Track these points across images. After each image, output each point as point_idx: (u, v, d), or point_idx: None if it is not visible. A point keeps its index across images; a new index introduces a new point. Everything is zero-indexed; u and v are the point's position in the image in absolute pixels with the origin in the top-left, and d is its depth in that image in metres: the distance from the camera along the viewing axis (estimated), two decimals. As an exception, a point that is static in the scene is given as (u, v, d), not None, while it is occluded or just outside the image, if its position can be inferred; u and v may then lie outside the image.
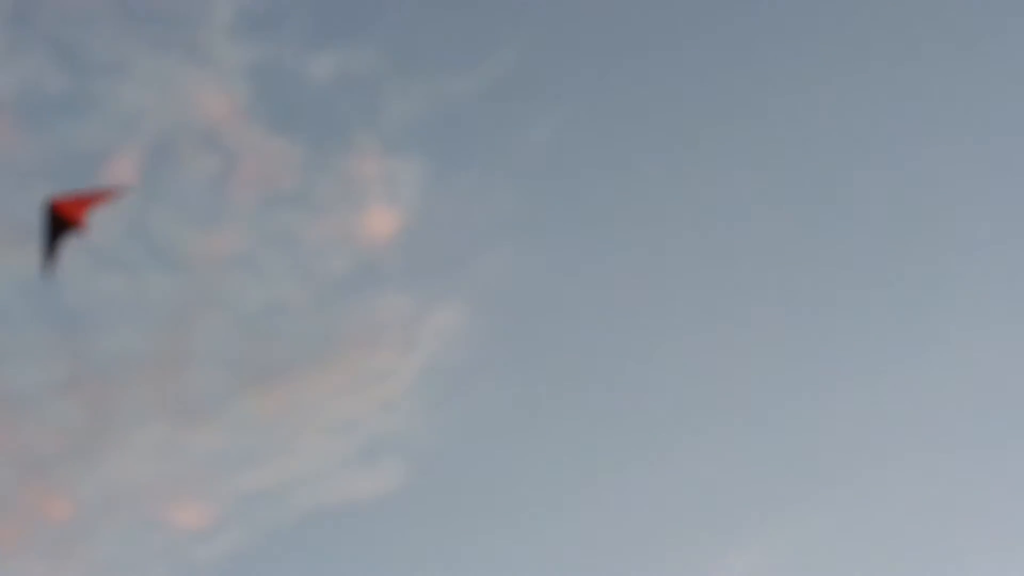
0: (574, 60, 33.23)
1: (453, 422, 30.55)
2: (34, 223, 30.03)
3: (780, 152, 32.49)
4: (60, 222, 22.55)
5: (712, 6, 33.31)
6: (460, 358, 31.00)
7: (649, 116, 32.91)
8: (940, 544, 28.94)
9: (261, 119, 31.78)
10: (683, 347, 31.14)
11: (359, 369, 30.69)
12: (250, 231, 31.20)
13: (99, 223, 30.51)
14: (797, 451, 30.16)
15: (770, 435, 30.27)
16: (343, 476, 29.94)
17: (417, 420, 30.41)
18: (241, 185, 31.33)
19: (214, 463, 29.56)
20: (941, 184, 31.82)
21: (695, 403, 30.68)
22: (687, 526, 29.67)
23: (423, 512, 30.17)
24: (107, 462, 29.09)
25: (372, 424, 30.34)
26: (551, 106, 32.86)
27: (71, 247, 30.27)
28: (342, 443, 30.15)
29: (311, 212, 31.54)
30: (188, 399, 29.85)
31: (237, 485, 29.54)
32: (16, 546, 28.04)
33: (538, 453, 30.60)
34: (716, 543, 29.42)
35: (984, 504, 29.22)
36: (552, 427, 30.76)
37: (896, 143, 32.27)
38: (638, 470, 30.27)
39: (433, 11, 33.10)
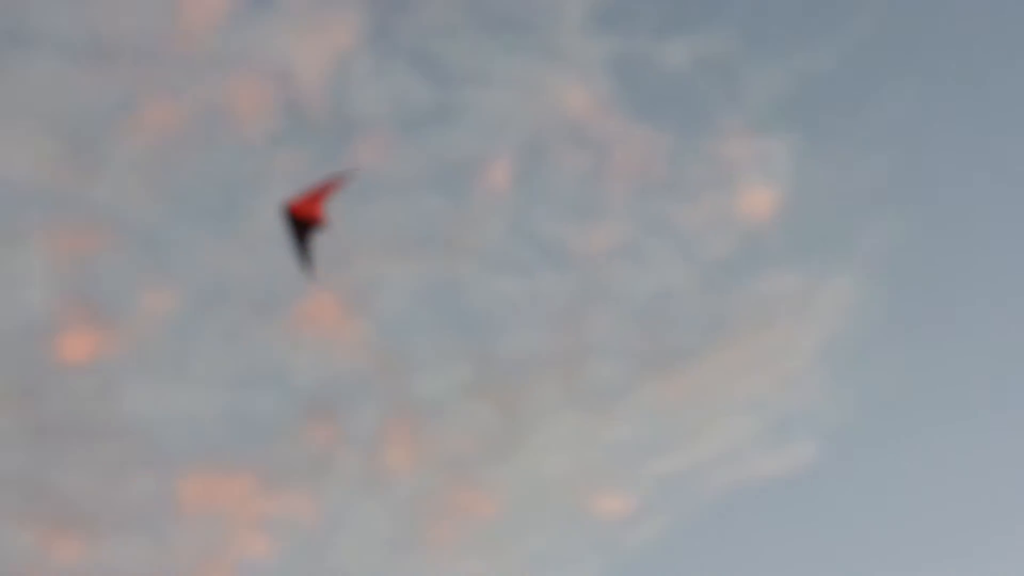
0: (933, 19, 32.89)
1: (859, 395, 30.37)
2: (418, 233, 30.75)
3: None
4: (301, 222, 22.76)
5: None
6: (857, 330, 30.84)
7: (1017, 72, 32.41)
8: None
9: (625, 110, 32.07)
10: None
11: (755, 348, 30.73)
12: (629, 222, 31.50)
13: (485, 226, 31.10)
14: None
15: None
16: (754, 456, 29.99)
17: (822, 395, 30.32)
18: (614, 177, 31.66)
19: (627, 451, 29.87)
20: None
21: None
22: None
23: (836, 487, 30.05)
24: (524, 457, 29.60)
25: (778, 402, 30.34)
26: (915, 69, 32.56)
27: (465, 255, 30.93)
28: (750, 422, 30.21)
29: (686, 197, 31.72)
30: (592, 391, 30.23)
31: (651, 471, 29.80)
32: (450, 545, 28.68)
33: (946, 426, 30.25)
34: None
35: None
36: (958, 399, 30.41)
37: None
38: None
39: (783, -14, 33.08)
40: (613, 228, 31.41)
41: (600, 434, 29.89)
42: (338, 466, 28.79)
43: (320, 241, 22.79)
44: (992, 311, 30.88)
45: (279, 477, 28.39)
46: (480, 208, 31.22)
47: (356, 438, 28.99)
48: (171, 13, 30.41)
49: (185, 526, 27.70)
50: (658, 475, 29.70)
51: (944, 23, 32.78)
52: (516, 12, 32.30)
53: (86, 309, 28.27)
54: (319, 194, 22.48)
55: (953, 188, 31.87)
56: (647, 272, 31.33)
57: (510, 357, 30.29)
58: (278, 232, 30.11)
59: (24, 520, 26.71)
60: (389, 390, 29.50)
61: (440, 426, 29.51)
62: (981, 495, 29.48)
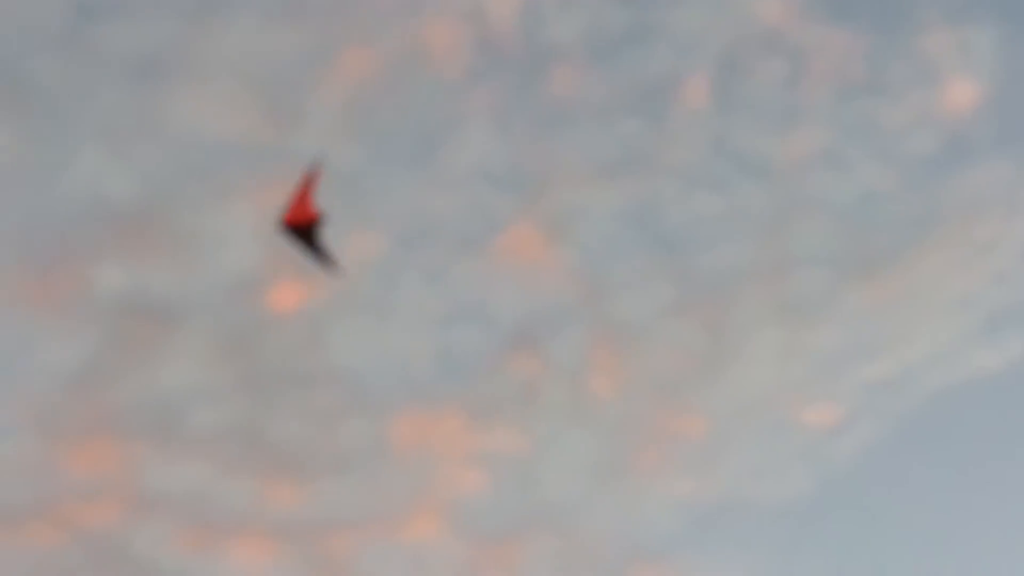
0: None
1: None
2: (616, 157, 30.96)
3: None
4: (300, 230, 22.74)
5: None
6: (1070, 218, 29.95)
7: None
8: None
9: (820, 14, 31.56)
10: None
11: (963, 245, 30.10)
12: (829, 127, 31.08)
13: (683, 144, 31.10)
14: None
15: None
16: (965, 354, 29.47)
17: (1035, 287, 29.60)
18: (812, 83, 31.22)
19: (834, 359, 29.69)
20: None
21: None
22: None
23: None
24: (730, 374, 29.72)
25: (988, 297, 29.71)
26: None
27: (664, 175, 31.05)
28: (959, 321, 29.67)
29: (887, 97, 31.11)
30: (797, 301, 30.10)
31: (860, 378, 29.58)
32: (660, 467, 29.09)
33: None
34: None
35: None
36: None
37: None
38: None
39: None
40: (813, 134, 31.07)
41: (807, 344, 29.80)
42: (545, 396, 29.44)
43: (323, 235, 23.03)
44: None
45: (487, 411, 29.20)
46: (678, 126, 31.25)
47: (561, 367, 29.58)
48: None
49: (397, 466, 28.78)
50: (868, 381, 29.50)
51: None
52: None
53: (293, 259, 29.40)
54: (303, 195, 22.72)
55: None
56: (849, 176, 30.93)
57: (713, 274, 30.38)
58: (477, 168, 30.82)
59: (242, 468, 28.17)
60: (592, 316, 29.97)
61: (645, 349, 29.86)
62: None
